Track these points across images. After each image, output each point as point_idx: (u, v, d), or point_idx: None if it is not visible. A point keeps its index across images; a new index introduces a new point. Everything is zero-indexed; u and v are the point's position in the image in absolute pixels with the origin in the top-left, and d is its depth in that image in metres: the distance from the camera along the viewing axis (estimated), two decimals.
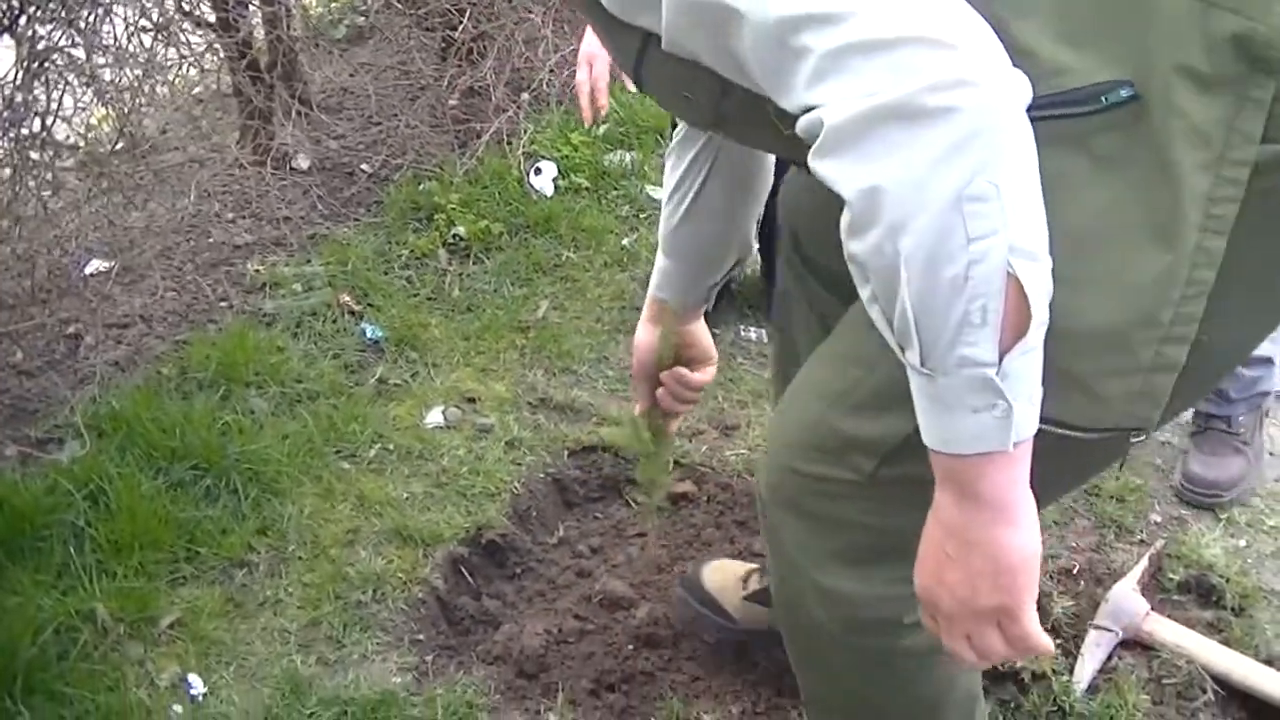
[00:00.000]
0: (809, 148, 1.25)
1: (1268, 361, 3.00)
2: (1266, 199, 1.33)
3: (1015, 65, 1.20)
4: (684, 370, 2.28)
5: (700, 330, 2.32)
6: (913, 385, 1.27)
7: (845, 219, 1.23)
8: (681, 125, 2.15)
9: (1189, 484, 2.98)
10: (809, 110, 1.23)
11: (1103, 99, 1.30)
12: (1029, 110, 1.20)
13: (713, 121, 1.62)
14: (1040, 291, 1.20)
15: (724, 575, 2.56)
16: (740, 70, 1.33)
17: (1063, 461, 1.31)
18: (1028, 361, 1.22)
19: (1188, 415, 3.06)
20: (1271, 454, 3.16)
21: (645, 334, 2.31)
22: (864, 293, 1.27)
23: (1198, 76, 1.28)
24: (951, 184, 1.14)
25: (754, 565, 2.55)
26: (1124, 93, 1.30)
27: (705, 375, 2.31)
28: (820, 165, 1.22)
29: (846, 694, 1.90)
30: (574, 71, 3.28)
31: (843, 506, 1.67)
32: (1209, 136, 1.29)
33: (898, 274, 1.18)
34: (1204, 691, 2.44)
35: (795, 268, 2.16)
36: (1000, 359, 1.20)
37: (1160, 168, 1.31)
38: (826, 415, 1.65)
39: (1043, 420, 1.28)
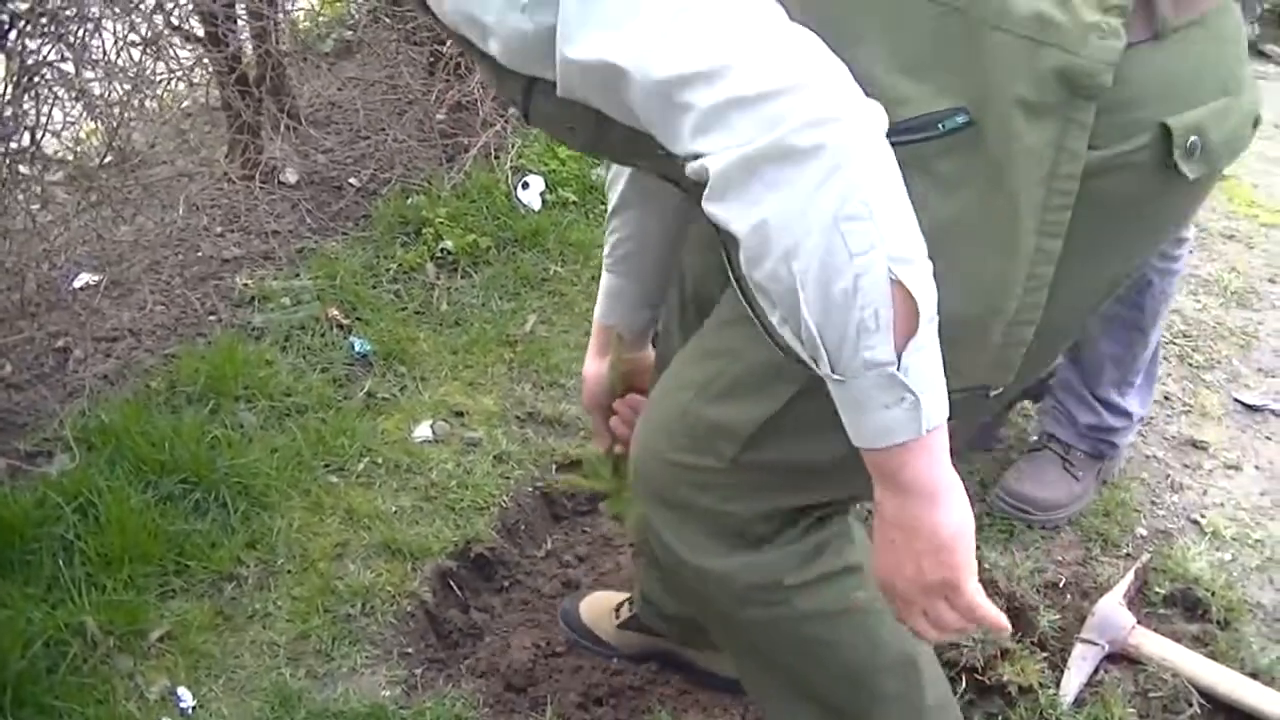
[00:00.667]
0: (681, 168, 1.37)
1: (1126, 414, 3.02)
2: (1092, 197, 1.48)
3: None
4: (638, 397, 2.30)
5: (649, 356, 2.34)
6: (834, 396, 1.39)
7: (742, 255, 1.35)
8: None
9: (1004, 495, 2.99)
10: (696, 157, 1.34)
11: (939, 125, 1.44)
12: None
13: (595, 149, 1.78)
14: (923, 291, 1.31)
15: (598, 607, 2.63)
16: (631, 115, 1.42)
17: None
18: (925, 356, 1.34)
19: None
20: (1258, 468, 3.18)
21: (594, 366, 2.34)
22: (774, 318, 1.39)
23: (1028, 105, 1.43)
24: (828, 209, 1.26)
25: (625, 595, 2.59)
26: (960, 119, 1.45)
27: None
28: (712, 208, 1.34)
29: (773, 673, 1.99)
30: None
31: (706, 495, 1.80)
32: (1041, 155, 1.44)
33: (797, 294, 1.30)
34: (1190, 705, 2.45)
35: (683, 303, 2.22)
36: (900, 357, 1.32)
37: (997, 185, 1.45)
38: (692, 404, 1.78)
39: None
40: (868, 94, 1.32)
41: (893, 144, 1.32)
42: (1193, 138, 1.48)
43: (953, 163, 1.44)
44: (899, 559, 1.51)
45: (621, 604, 2.57)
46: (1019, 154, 1.43)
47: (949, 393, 1.42)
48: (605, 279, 2.27)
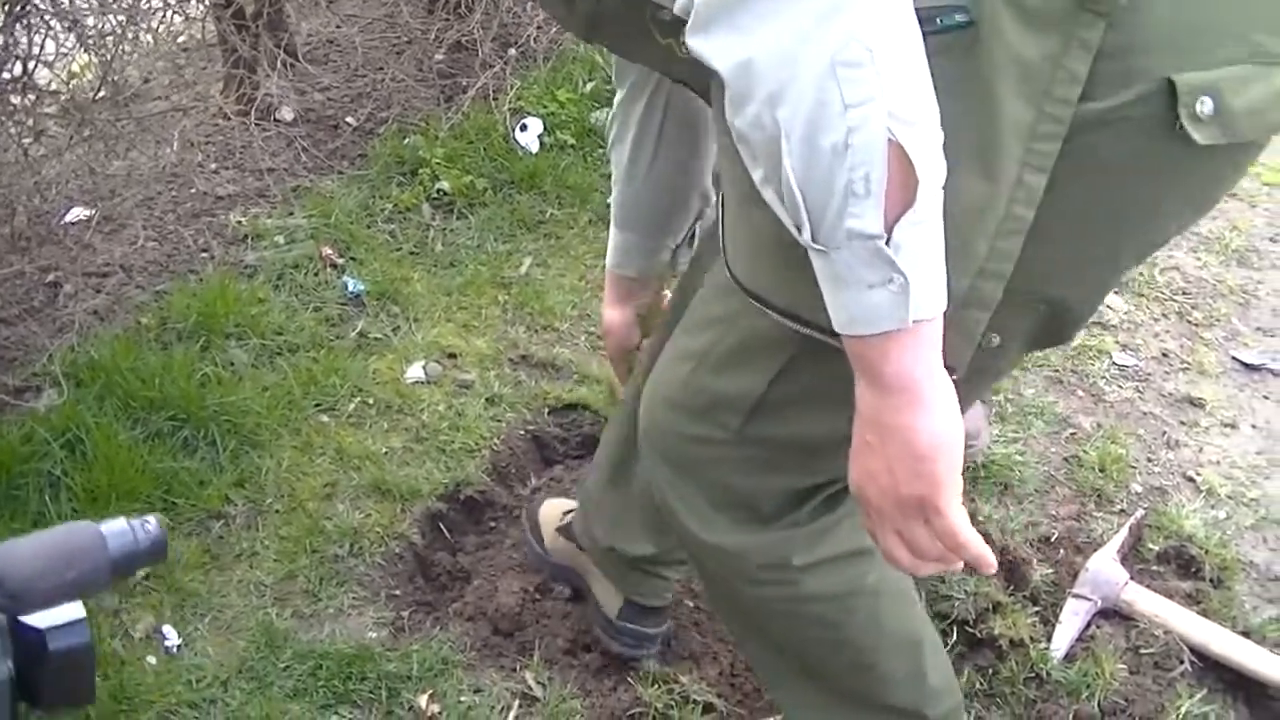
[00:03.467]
0: (681, 56, 1.27)
1: None
2: (1091, 155, 1.35)
3: None
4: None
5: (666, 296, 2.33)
6: (815, 268, 1.24)
7: (726, 99, 1.22)
8: (621, 87, 2.15)
9: None
10: None
11: (938, 21, 1.29)
12: None
13: (589, 26, 1.66)
14: (926, 157, 1.17)
15: (553, 510, 2.63)
16: None
17: None
18: (921, 234, 1.20)
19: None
20: (1255, 427, 3.16)
21: (617, 315, 2.32)
22: (756, 176, 1.25)
23: (1025, 10, 1.29)
24: (824, 50, 1.13)
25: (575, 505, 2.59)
26: (959, 18, 1.30)
27: None
28: (695, 42, 1.23)
29: (782, 655, 1.93)
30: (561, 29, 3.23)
31: (715, 467, 1.73)
32: (1035, 70, 1.31)
33: (779, 146, 1.17)
34: (1181, 662, 2.44)
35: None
36: (890, 231, 1.17)
37: (985, 96, 1.31)
38: (693, 376, 1.70)
39: None
40: None
41: None
42: (1204, 98, 1.32)
43: (945, 63, 1.27)
44: (874, 464, 1.36)
45: (568, 512, 2.57)
46: (1010, 63, 1.30)
47: None
48: (615, 233, 2.26)
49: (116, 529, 1.10)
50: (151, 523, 1.12)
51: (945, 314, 1.29)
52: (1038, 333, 1.55)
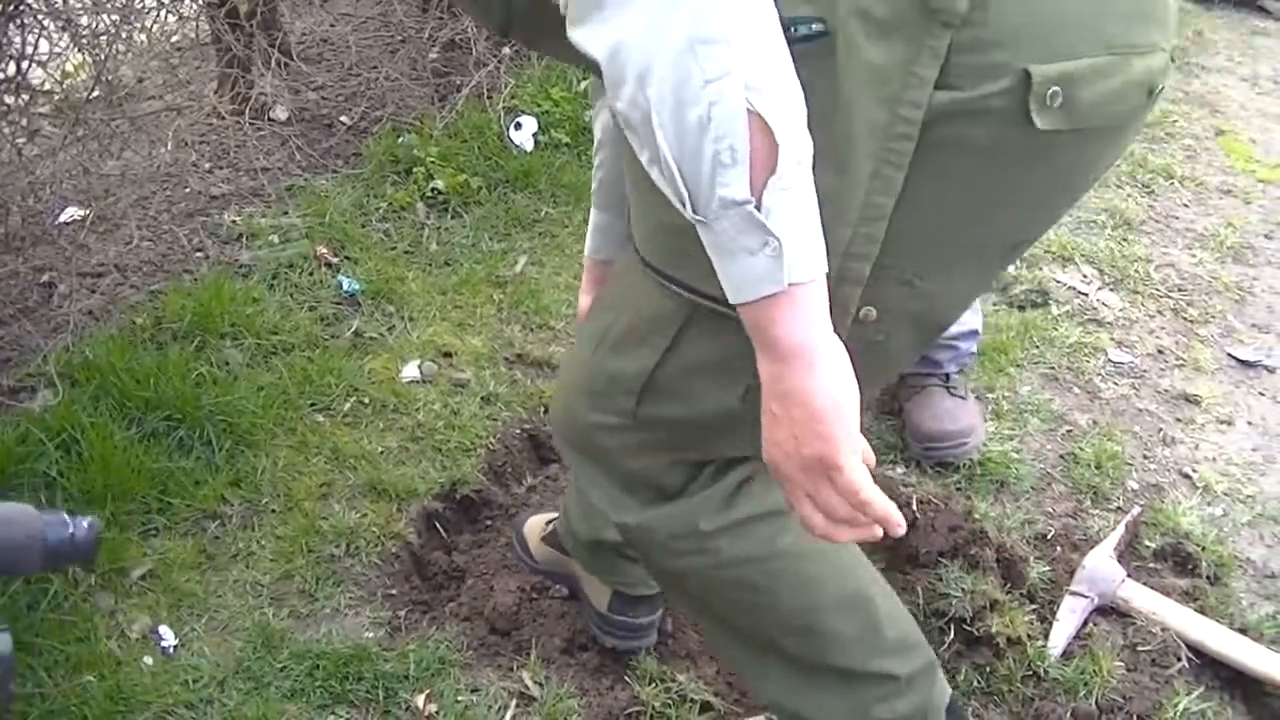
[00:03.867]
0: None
1: (973, 333, 3.07)
2: (956, 143, 1.45)
3: None
4: None
5: None
6: (704, 243, 1.31)
7: (606, 85, 1.28)
8: None
9: (932, 443, 2.94)
10: None
11: (795, 29, 1.35)
12: None
13: (503, 21, 1.72)
14: (784, 124, 1.23)
15: (535, 524, 2.64)
16: None
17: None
18: (790, 199, 1.26)
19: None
20: (1250, 423, 3.16)
21: (588, 303, 2.32)
22: (644, 159, 1.31)
23: (876, 21, 1.38)
24: (681, 30, 1.20)
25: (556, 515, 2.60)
26: (815, 27, 1.38)
27: None
28: (574, 34, 1.30)
29: (732, 630, 1.96)
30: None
31: (616, 451, 1.82)
32: (887, 76, 1.40)
33: (652, 122, 1.24)
34: (1178, 659, 2.44)
35: None
36: (760, 196, 1.24)
37: (838, 101, 1.40)
38: (592, 358, 1.79)
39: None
40: None
41: None
42: (1054, 88, 1.41)
43: (804, 72, 1.31)
44: (779, 433, 1.41)
45: (551, 521, 2.58)
46: (862, 69, 1.38)
47: None
48: (593, 214, 2.26)
49: (54, 519, 1.09)
50: (87, 522, 1.11)
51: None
52: (913, 312, 1.61)
